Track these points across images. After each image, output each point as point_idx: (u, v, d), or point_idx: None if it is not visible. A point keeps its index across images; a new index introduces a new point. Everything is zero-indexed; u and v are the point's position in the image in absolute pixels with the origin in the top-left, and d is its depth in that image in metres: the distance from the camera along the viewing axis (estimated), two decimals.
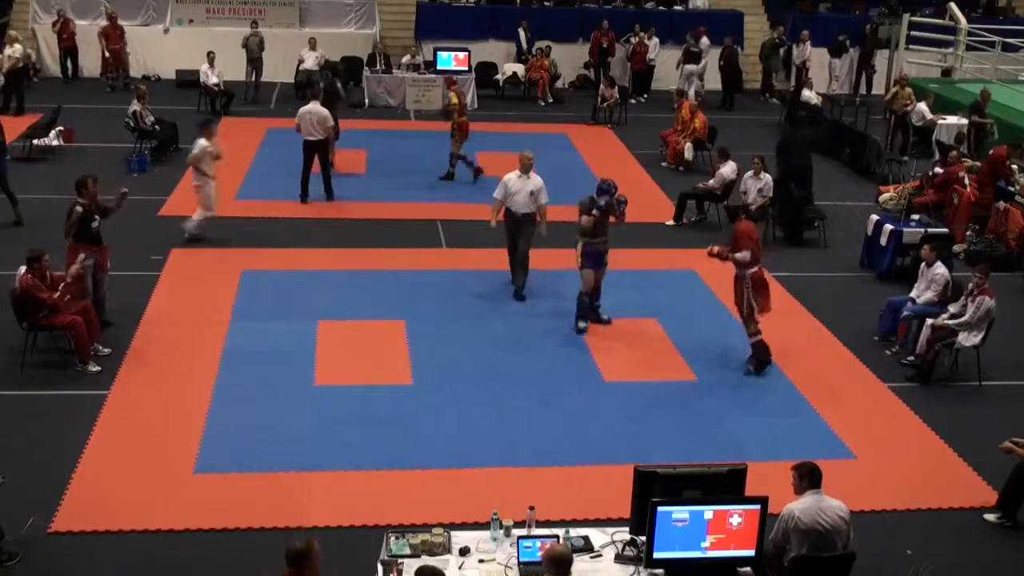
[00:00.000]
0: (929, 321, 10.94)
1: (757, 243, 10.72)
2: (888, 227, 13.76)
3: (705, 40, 24.07)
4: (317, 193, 15.86)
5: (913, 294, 11.66)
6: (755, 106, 24.12)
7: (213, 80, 21.12)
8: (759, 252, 10.71)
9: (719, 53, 24.04)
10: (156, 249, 13.51)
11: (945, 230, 14.00)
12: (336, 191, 16.10)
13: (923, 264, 11.67)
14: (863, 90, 25.00)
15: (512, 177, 12.45)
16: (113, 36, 23.09)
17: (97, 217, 11.00)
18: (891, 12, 24.77)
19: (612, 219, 11.57)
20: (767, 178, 14.70)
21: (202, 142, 14.01)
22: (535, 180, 12.42)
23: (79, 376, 10.25)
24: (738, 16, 26.11)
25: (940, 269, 11.49)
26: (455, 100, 17.24)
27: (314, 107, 15.73)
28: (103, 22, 23.42)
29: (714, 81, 24.31)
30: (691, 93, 23.41)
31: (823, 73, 24.80)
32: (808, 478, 6.77)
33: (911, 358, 11.15)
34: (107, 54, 23.18)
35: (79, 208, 10.79)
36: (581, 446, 9.35)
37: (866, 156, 18.80)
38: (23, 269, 10.76)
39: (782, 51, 24.57)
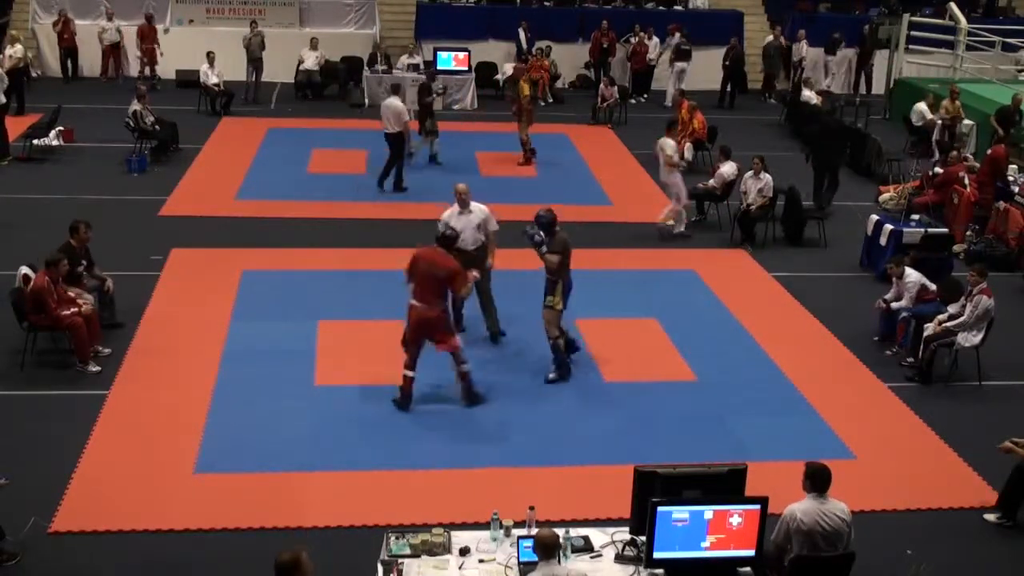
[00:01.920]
0: (928, 325, 10.95)
1: (414, 273, 9.64)
2: (888, 227, 13.76)
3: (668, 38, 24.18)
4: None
5: (888, 297, 11.70)
6: (755, 106, 24.13)
7: (213, 80, 21.14)
8: (418, 288, 9.61)
9: (724, 53, 24.05)
10: (156, 249, 13.51)
11: (945, 230, 14.01)
12: (335, 191, 16.12)
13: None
14: (863, 90, 25.03)
15: (452, 215, 11.04)
16: (150, 35, 23.20)
17: (84, 263, 11.01)
18: (891, 12, 24.78)
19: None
20: (767, 178, 14.70)
21: (669, 141, 14.63)
22: (478, 211, 11.06)
23: (79, 376, 10.24)
24: (738, 16, 26.13)
25: (912, 277, 11.52)
26: (527, 91, 18.12)
27: (391, 101, 16.30)
28: (103, 22, 23.46)
29: (709, 81, 24.31)
30: (671, 91, 23.54)
31: (819, 72, 24.81)
32: (810, 480, 6.75)
33: (910, 359, 11.15)
34: (139, 53, 23.30)
35: (69, 247, 10.74)
36: (581, 446, 9.35)
37: (866, 156, 18.80)
38: (23, 270, 10.78)
39: (780, 52, 24.60)
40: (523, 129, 18.34)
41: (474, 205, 11.11)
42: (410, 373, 9.83)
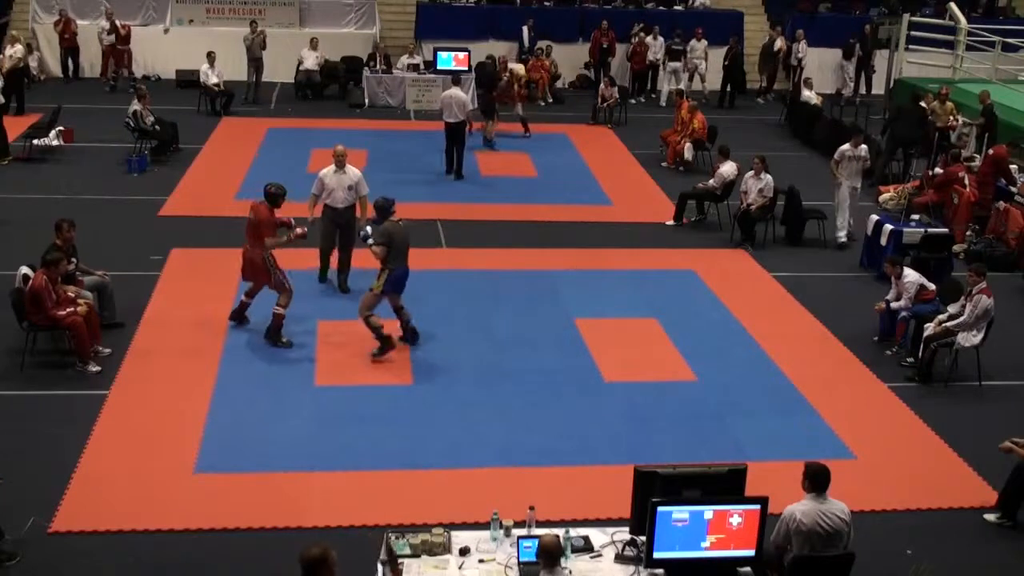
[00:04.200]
0: (928, 325, 10.95)
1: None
2: (888, 227, 13.76)
3: (694, 41, 24.17)
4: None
5: (889, 297, 11.69)
6: (755, 106, 24.14)
7: (213, 80, 21.14)
8: (247, 232, 11.21)
9: (724, 53, 24.06)
10: (156, 249, 13.51)
11: (945, 230, 14.01)
12: None
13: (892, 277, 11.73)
14: (863, 90, 25.02)
15: (328, 173, 12.35)
16: (120, 36, 23.13)
17: (75, 260, 11.01)
18: (891, 12, 24.76)
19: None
20: (767, 178, 14.69)
21: (843, 147, 14.78)
22: (352, 173, 12.37)
23: (79, 376, 10.24)
24: (738, 16, 26.13)
25: (910, 277, 11.52)
26: (522, 72, 20.31)
27: (456, 92, 17.34)
28: (104, 22, 23.44)
29: (708, 82, 24.35)
30: (665, 91, 23.55)
31: (821, 74, 24.80)
32: (809, 480, 6.76)
33: (910, 359, 11.15)
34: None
35: (56, 247, 10.68)
36: (581, 446, 9.35)
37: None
38: (23, 270, 10.77)
39: (779, 52, 24.59)
40: (522, 108, 20.41)
41: (348, 167, 12.36)
42: (246, 299, 11.34)
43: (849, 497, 7.08)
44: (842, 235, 14.87)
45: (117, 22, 23.23)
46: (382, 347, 10.85)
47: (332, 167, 12.41)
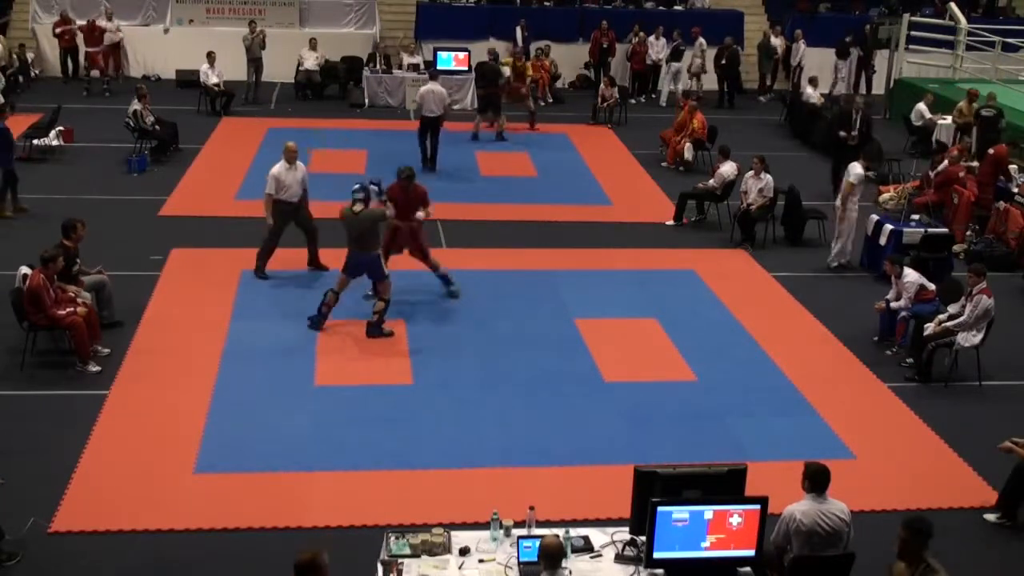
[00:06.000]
0: (928, 325, 10.95)
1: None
2: (888, 227, 13.76)
3: (700, 41, 24.15)
4: None
5: (889, 297, 11.69)
6: (755, 106, 24.13)
7: (213, 80, 21.13)
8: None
9: (716, 52, 24.05)
10: (156, 249, 13.51)
11: (945, 230, 14.01)
12: (335, 191, 16.06)
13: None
14: (863, 90, 25.00)
15: (280, 170, 12.65)
16: (91, 38, 22.93)
17: (78, 261, 11.02)
18: (891, 12, 24.78)
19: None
20: (768, 178, 14.69)
21: (858, 169, 13.77)
22: (301, 168, 12.84)
23: (79, 376, 10.24)
24: (738, 16, 26.13)
25: (910, 277, 11.50)
26: (531, 72, 20.95)
27: (435, 87, 17.69)
28: (103, 22, 23.39)
29: (708, 81, 24.34)
30: (666, 91, 23.54)
31: (821, 74, 24.78)
32: (809, 480, 6.77)
33: (910, 359, 11.15)
34: (84, 60, 23.14)
35: (64, 247, 10.69)
36: (581, 446, 9.35)
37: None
38: (23, 269, 10.78)
39: (777, 52, 24.58)
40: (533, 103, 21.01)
41: (297, 163, 12.79)
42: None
43: (849, 497, 7.08)
44: (834, 258, 14.06)
45: (109, 23, 23.08)
46: (317, 315, 11.41)
47: (283, 164, 12.65)
